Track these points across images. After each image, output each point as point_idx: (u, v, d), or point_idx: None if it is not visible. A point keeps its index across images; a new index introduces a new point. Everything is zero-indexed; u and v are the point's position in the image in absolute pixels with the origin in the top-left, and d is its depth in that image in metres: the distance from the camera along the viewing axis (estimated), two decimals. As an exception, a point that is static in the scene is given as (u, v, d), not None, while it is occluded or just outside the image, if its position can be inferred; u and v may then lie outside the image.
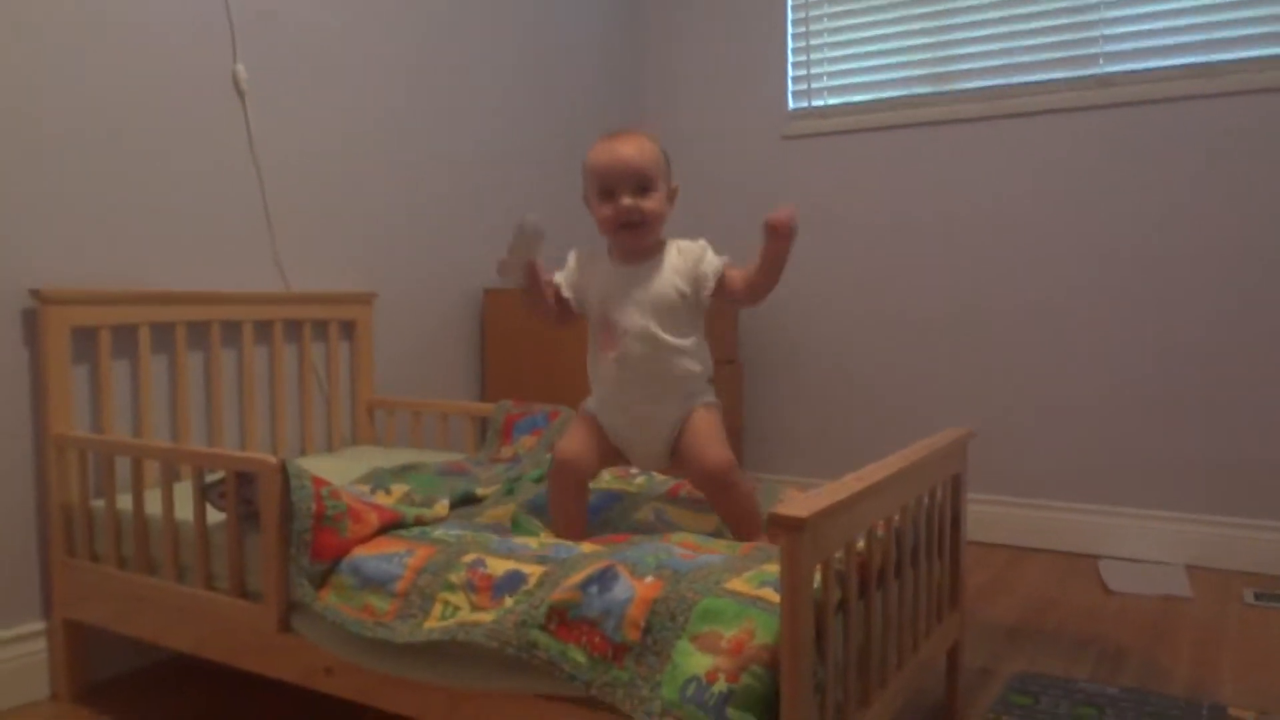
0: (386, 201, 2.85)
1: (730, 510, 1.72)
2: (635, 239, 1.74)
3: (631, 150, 1.70)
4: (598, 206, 1.74)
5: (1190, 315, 2.96)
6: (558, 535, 1.77)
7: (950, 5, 3.31)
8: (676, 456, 1.77)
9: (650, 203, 1.71)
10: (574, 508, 1.77)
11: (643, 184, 1.70)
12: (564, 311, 1.83)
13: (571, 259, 1.83)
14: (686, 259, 1.75)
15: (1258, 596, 2.62)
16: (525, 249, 1.71)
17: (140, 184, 2.23)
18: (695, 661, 1.24)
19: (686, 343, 1.75)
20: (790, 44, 3.61)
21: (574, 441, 1.78)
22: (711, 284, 1.73)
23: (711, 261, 1.75)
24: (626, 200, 1.69)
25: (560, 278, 1.81)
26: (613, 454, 1.81)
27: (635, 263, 1.75)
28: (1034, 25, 3.18)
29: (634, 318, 1.73)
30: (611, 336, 1.75)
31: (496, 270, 1.76)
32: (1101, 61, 3.08)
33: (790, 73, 3.62)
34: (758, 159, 3.69)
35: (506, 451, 2.37)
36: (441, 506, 1.85)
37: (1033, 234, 3.18)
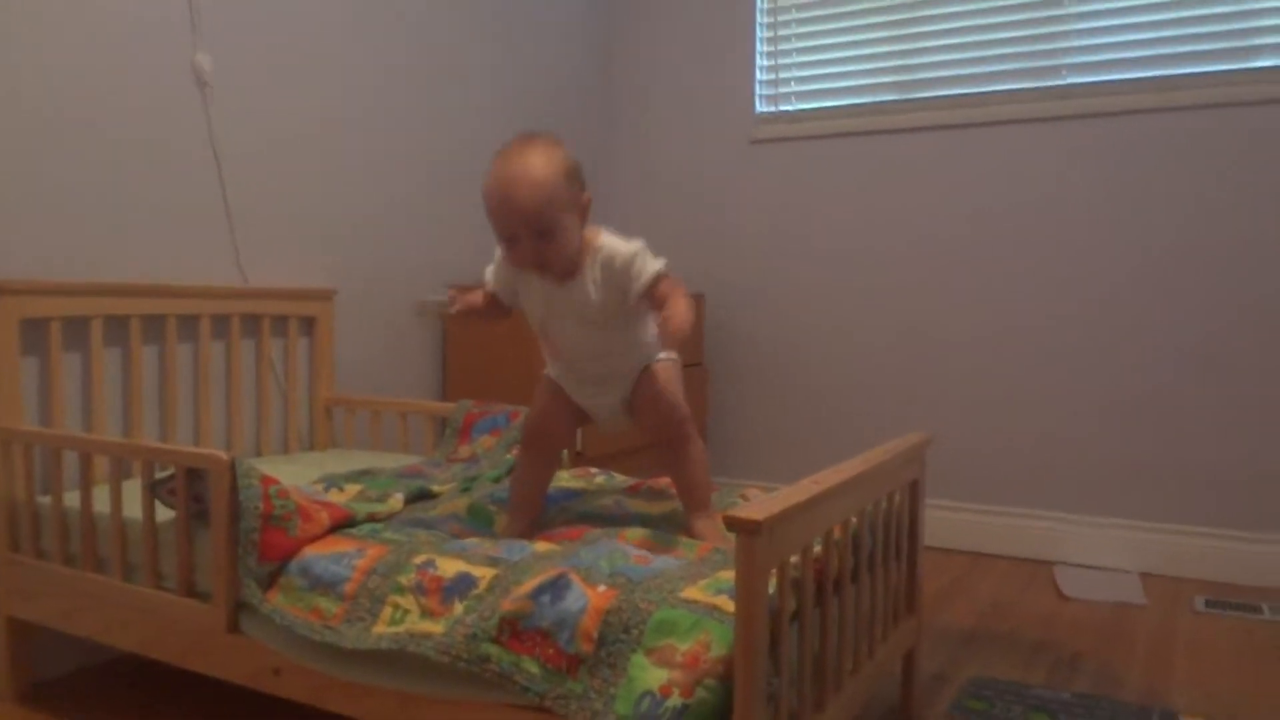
0: (349, 196, 2.81)
1: (682, 470, 1.73)
2: (546, 273, 1.66)
3: (524, 192, 1.54)
4: (502, 245, 1.64)
5: (1147, 324, 2.99)
6: (512, 512, 1.78)
7: (918, 13, 3.32)
8: (633, 409, 1.78)
9: (552, 245, 1.59)
10: (537, 479, 1.80)
11: (540, 228, 1.57)
12: (499, 311, 1.81)
13: (499, 259, 1.74)
14: (610, 271, 1.64)
15: (1208, 604, 2.65)
16: (434, 317, 1.75)
17: (95, 173, 2.18)
18: (650, 675, 1.23)
19: (627, 335, 1.73)
20: (759, 48, 3.62)
21: (542, 409, 1.81)
22: (634, 299, 1.64)
23: (638, 278, 1.62)
24: (526, 249, 1.59)
25: (490, 280, 1.78)
26: (579, 414, 1.83)
27: (559, 281, 1.67)
28: (1000, 35, 3.20)
29: (570, 332, 1.71)
30: (555, 347, 1.76)
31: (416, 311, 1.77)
32: (1065, 73, 3.11)
33: (758, 77, 3.62)
34: (726, 163, 3.69)
35: (464, 451, 2.35)
36: (395, 500, 1.83)
37: (995, 241, 3.21)
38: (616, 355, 1.74)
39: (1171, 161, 2.95)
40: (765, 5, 3.59)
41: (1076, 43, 3.10)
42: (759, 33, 3.61)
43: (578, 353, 1.74)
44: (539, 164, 1.56)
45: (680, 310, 1.52)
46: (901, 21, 3.36)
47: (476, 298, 1.79)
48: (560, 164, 1.59)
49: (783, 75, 3.59)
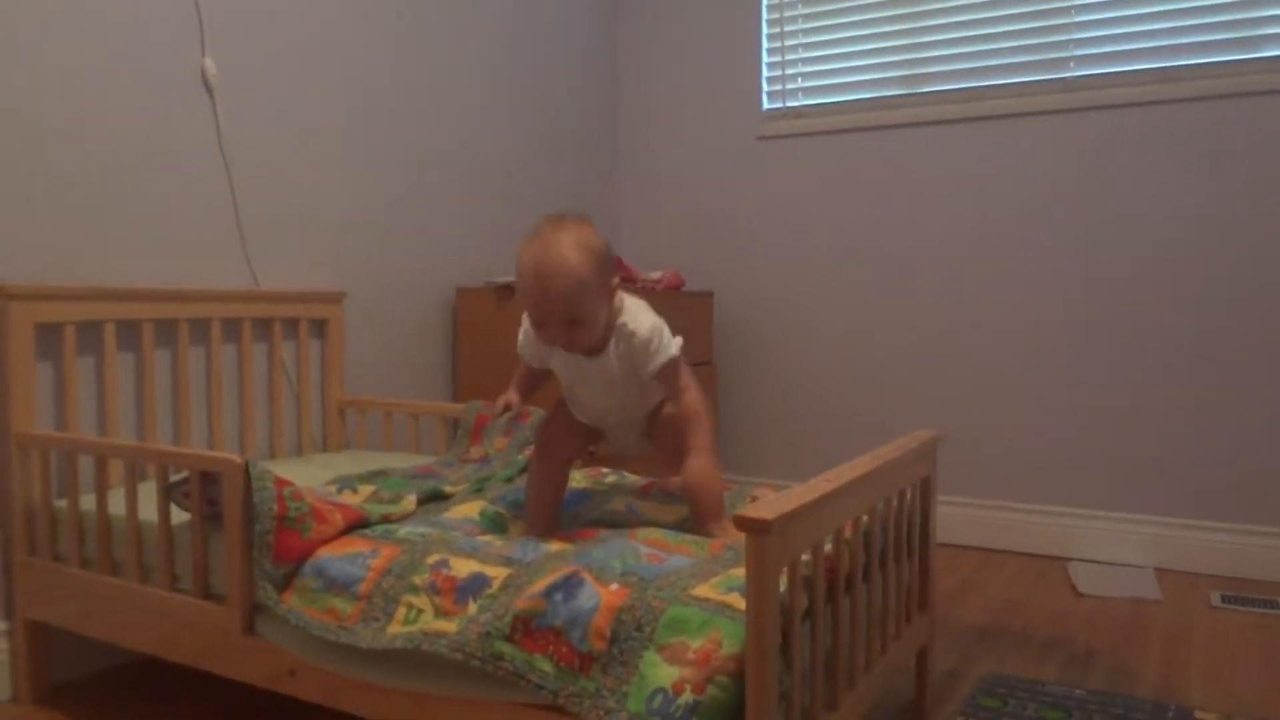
0: (358, 198, 2.82)
1: (696, 480, 1.72)
2: (574, 351, 1.71)
3: (557, 286, 1.57)
4: (532, 324, 1.69)
5: (1158, 319, 2.98)
6: (530, 522, 1.79)
7: (924, 7, 3.32)
8: (651, 433, 1.81)
9: (580, 332, 1.63)
10: (552, 491, 1.82)
11: (571, 317, 1.61)
12: (538, 381, 1.88)
13: (527, 329, 1.77)
14: (628, 349, 1.69)
15: (1224, 599, 2.64)
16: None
17: (107, 179, 2.20)
18: (662, 673, 1.23)
19: (650, 395, 1.78)
20: (765, 44, 3.61)
21: (558, 420, 1.84)
22: (647, 378, 1.71)
23: (649, 368, 1.69)
24: (556, 334, 1.64)
25: (523, 352, 1.82)
26: (595, 433, 1.87)
27: (586, 354, 1.72)
28: (1006, 28, 3.20)
29: (597, 398, 1.77)
30: (580, 405, 1.81)
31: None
32: (1072, 65, 3.10)
33: (765, 73, 3.62)
34: (732, 159, 3.69)
35: (476, 452, 2.35)
36: (408, 502, 1.84)
37: (1005, 236, 3.20)
38: (638, 408, 1.79)
39: (1180, 152, 2.93)
40: (770, 1, 3.59)
41: (1083, 35, 3.09)
42: (765, 28, 3.61)
43: (600, 409, 1.80)
44: (573, 255, 1.58)
45: (692, 471, 1.70)
46: (907, 15, 3.35)
47: (513, 398, 1.84)
48: (592, 253, 1.60)
49: (789, 71, 3.58)
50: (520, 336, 1.81)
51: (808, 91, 3.56)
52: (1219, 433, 2.91)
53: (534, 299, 1.61)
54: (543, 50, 3.54)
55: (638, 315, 1.71)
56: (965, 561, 3.07)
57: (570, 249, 1.58)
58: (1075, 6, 3.08)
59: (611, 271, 1.66)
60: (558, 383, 1.85)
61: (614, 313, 1.70)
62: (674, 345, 1.71)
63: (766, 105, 3.63)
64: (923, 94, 3.35)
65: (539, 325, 1.66)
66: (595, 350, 1.70)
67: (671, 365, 1.70)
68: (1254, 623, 2.47)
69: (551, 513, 1.81)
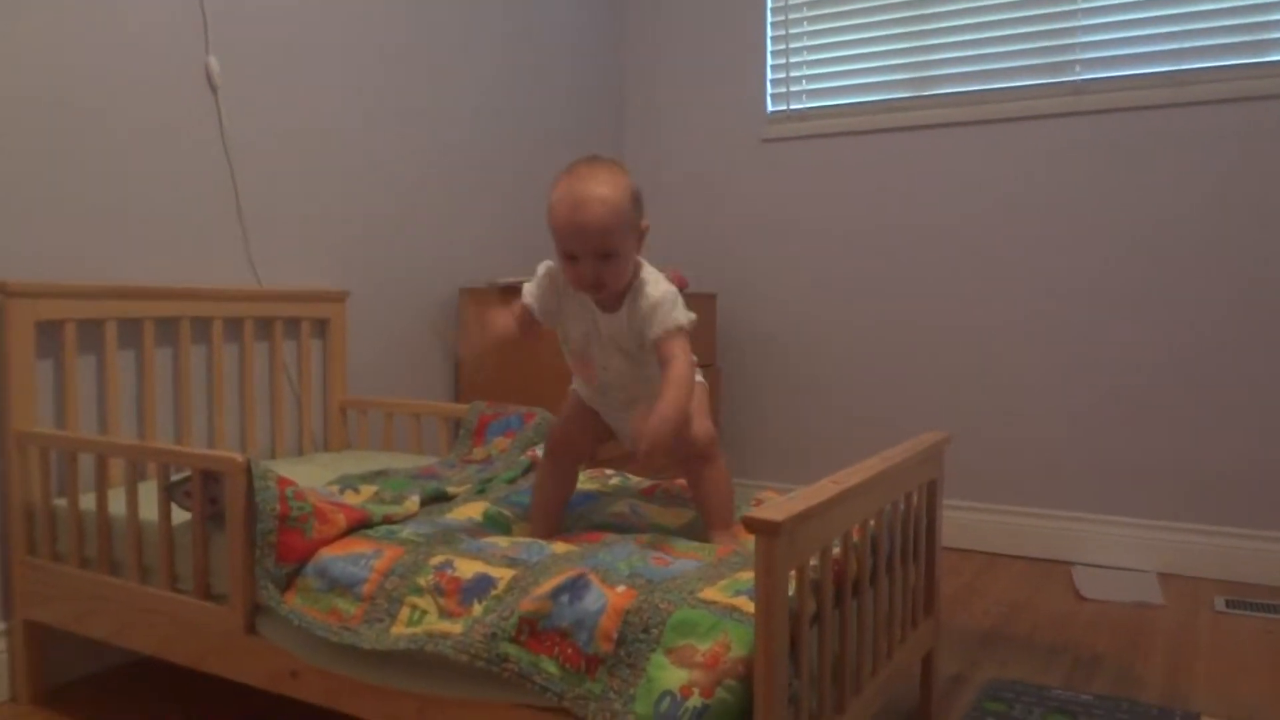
0: (362, 198, 2.81)
1: (705, 489, 1.71)
2: (600, 296, 1.65)
3: (593, 213, 1.54)
4: (561, 261, 1.63)
5: (1164, 323, 2.97)
6: (533, 521, 1.77)
7: (929, 10, 3.31)
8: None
9: (611, 268, 1.58)
10: (559, 490, 1.80)
11: (604, 249, 1.56)
12: (532, 330, 1.76)
13: (542, 277, 1.72)
14: (639, 312, 1.63)
15: (1228, 604, 2.63)
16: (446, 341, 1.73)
17: (109, 177, 2.18)
18: (670, 675, 1.22)
19: (649, 358, 1.71)
20: (769, 46, 3.61)
21: (569, 420, 1.82)
22: (648, 344, 1.64)
23: (654, 330, 1.61)
24: (587, 269, 1.58)
25: (530, 298, 1.72)
26: (603, 429, 1.83)
27: (606, 307, 1.67)
28: (1012, 31, 3.19)
29: (610, 356, 1.70)
30: (591, 369, 1.74)
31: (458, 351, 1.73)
32: (1078, 69, 3.10)
33: (769, 75, 3.61)
34: (737, 161, 3.68)
35: (479, 453, 2.34)
36: (411, 503, 1.82)
37: (1009, 240, 3.19)
38: (644, 383, 1.72)
39: (1185, 156, 2.93)
40: (775, 4, 3.58)
41: (1089, 38, 3.08)
42: (769, 31, 3.61)
43: (609, 377, 1.73)
44: (608, 186, 1.57)
45: (661, 413, 1.49)
46: (912, 18, 3.34)
47: (508, 322, 1.73)
48: (627, 188, 1.60)
49: (793, 74, 3.58)
50: (527, 288, 1.73)
51: (812, 94, 3.55)
52: (1222, 437, 2.90)
53: (569, 229, 1.57)
54: (547, 50, 3.53)
55: (657, 280, 1.66)
56: (969, 565, 3.06)
57: (605, 181, 1.57)
58: (1081, 10, 3.08)
59: (642, 211, 1.64)
60: (563, 386, 1.83)
61: (636, 267, 1.66)
62: (684, 315, 1.62)
63: (771, 108, 3.62)
64: (928, 97, 3.34)
65: (570, 260, 1.60)
66: (614, 304, 1.65)
67: (674, 335, 1.60)
68: (1258, 627, 2.46)
69: (556, 514, 1.79)
